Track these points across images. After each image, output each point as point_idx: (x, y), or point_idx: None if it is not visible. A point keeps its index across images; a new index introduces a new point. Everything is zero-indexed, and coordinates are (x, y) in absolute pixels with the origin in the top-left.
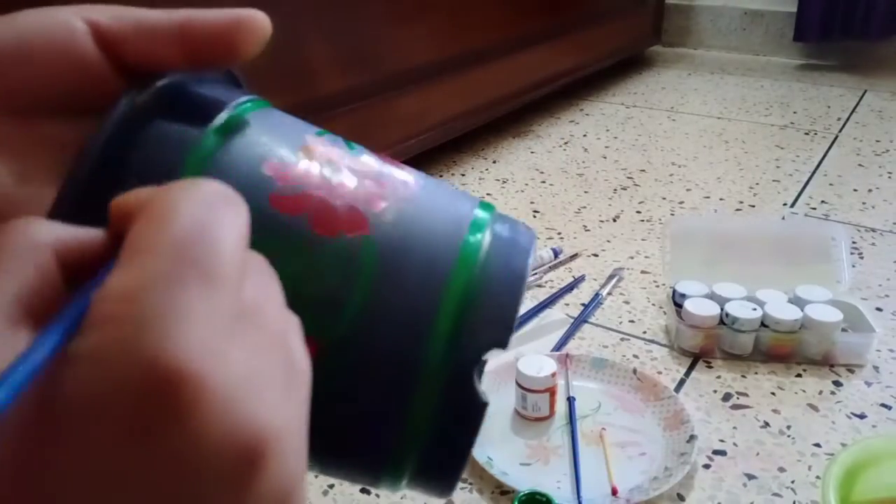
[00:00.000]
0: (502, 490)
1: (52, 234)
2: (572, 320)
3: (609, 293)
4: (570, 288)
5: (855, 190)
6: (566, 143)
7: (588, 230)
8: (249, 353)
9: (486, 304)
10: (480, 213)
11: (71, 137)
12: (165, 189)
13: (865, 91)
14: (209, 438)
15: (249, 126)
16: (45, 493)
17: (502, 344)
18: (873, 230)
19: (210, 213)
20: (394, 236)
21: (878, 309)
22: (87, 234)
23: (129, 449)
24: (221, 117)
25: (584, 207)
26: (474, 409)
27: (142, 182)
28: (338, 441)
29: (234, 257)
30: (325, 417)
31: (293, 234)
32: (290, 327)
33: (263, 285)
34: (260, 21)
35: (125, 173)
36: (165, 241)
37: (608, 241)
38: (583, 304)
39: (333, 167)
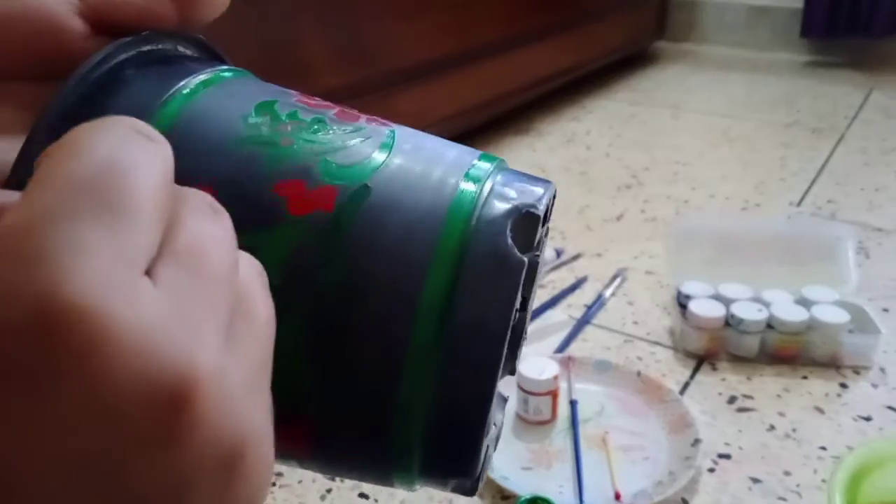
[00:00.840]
0: (503, 495)
1: None
2: (575, 322)
3: (612, 294)
4: (572, 289)
5: (861, 189)
6: (569, 140)
7: (591, 230)
8: (175, 293)
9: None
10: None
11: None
12: (81, 127)
13: (872, 89)
14: (118, 384)
15: (235, 82)
16: None
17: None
18: (880, 230)
19: (124, 146)
20: (391, 174)
21: (885, 310)
22: (10, 196)
23: (18, 402)
24: (207, 72)
25: (587, 206)
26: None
27: None
28: (341, 370)
29: (148, 192)
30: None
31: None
32: (249, 273)
33: (204, 226)
34: None
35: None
36: (66, 173)
37: (611, 241)
38: (586, 306)
39: (321, 115)
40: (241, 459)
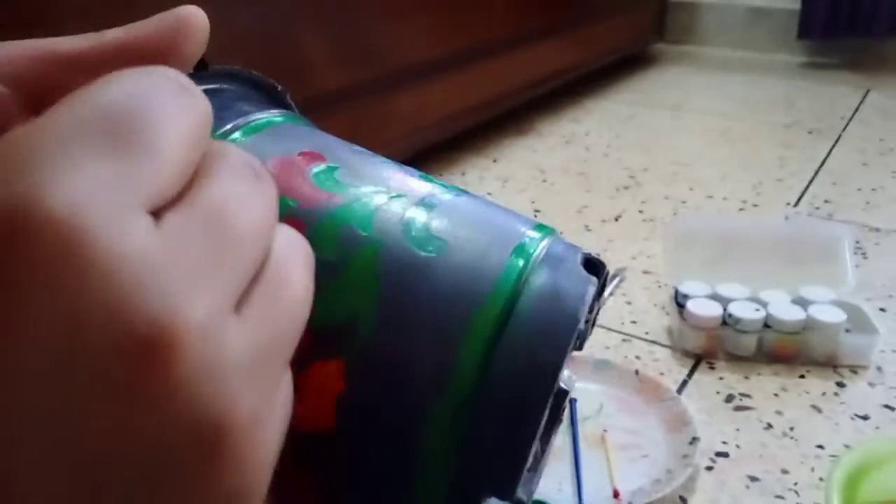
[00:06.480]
0: None
1: None
2: None
3: (611, 294)
4: None
5: (859, 189)
6: (568, 141)
7: (590, 230)
8: (177, 240)
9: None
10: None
11: None
12: (116, 71)
13: (869, 90)
14: (85, 311)
15: (282, 132)
16: None
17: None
18: (877, 230)
19: (157, 90)
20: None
21: (882, 309)
22: None
23: None
24: (252, 118)
25: (586, 207)
26: None
27: None
28: None
29: (172, 137)
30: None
31: None
32: (290, 246)
33: (238, 186)
34: (198, 18)
35: None
36: (85, 100)
37: (610, 241)
38: None
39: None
40: (225, 440)
